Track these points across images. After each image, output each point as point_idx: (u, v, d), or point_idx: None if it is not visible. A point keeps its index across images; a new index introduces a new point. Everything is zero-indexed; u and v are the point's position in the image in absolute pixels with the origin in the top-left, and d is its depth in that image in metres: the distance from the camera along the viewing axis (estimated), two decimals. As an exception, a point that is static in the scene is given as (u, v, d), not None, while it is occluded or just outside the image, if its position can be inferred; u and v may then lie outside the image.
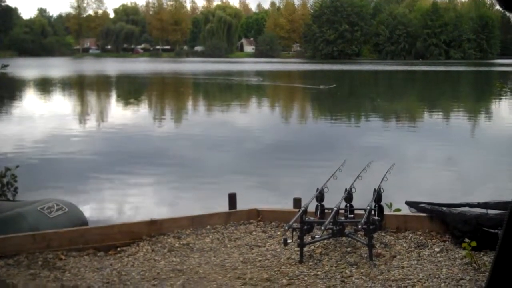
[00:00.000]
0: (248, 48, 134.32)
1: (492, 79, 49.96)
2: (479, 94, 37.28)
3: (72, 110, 25.46)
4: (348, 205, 5.06)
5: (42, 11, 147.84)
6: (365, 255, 4.60)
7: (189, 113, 24.86)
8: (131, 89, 40.05)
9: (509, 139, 16.48)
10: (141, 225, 5.35)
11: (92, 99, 32.34)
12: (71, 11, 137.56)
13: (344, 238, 4.96)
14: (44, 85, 41.95)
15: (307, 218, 4.70)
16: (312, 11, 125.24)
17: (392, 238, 5.09)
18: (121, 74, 56.52)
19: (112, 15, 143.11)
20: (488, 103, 30.24)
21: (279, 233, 5.34)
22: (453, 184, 10.76)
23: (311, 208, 4.99)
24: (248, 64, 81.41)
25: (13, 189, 7.44)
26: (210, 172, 11.76)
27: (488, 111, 26.30)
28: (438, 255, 4.63)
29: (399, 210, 5.71)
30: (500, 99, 31.47)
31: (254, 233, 5.40)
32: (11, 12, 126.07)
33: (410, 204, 5.52)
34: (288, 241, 4.51)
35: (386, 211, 5.36)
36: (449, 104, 28.51)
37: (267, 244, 5.07)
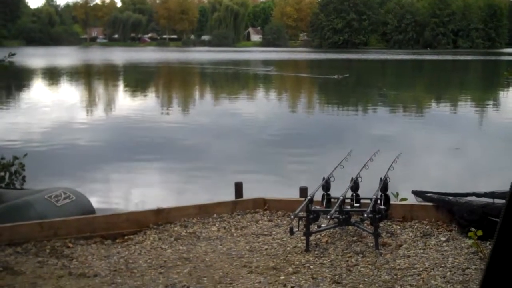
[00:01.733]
0: (255, 37, 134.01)
1: (500, 68, 49.67)
2: (487, 83, 37.07)
3: (79, 99, 25.50)
4: (354, 194, 5.05)
5: (49, 0, 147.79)
6: (371, 244, 4.61)
7: (201, 103, 24.80)
8: (138, 78, 40.05)
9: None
10: (148, 214, 5.37)
11: (99, 88, 32.36)
12: (78, 0, 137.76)
13: (350, 227, 4.96)
14: (51, 74, 42.02)
15: (313, 207, 4.70)
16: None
17: (398, 227, 5.10)
18: (128, 64, 56.54)
19: (119, 4, 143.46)
20: (496, 92, 30.07)
21: (285, 222, 5.35)
22: (460, 173, 10.74)
23: (317, 197, 4.99)
24: (255, 53, 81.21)
25: (21, 178, 7.48)
26: (217, 161, 11.78)
27: (496, 100, 26.16)
28: (444, 244, 4.62)
29: (405, 199, 5.71)
30: (509, 88, 31.30)
31: (260, 222, 5.42)
32: (18, 2, 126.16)
33: (416, 193, 5.51)
34: (294, 230, 4.51)
35: (393, 200, 5.35)
36: (457, 94, 28.38)
37: (273, 233, 5.08)
